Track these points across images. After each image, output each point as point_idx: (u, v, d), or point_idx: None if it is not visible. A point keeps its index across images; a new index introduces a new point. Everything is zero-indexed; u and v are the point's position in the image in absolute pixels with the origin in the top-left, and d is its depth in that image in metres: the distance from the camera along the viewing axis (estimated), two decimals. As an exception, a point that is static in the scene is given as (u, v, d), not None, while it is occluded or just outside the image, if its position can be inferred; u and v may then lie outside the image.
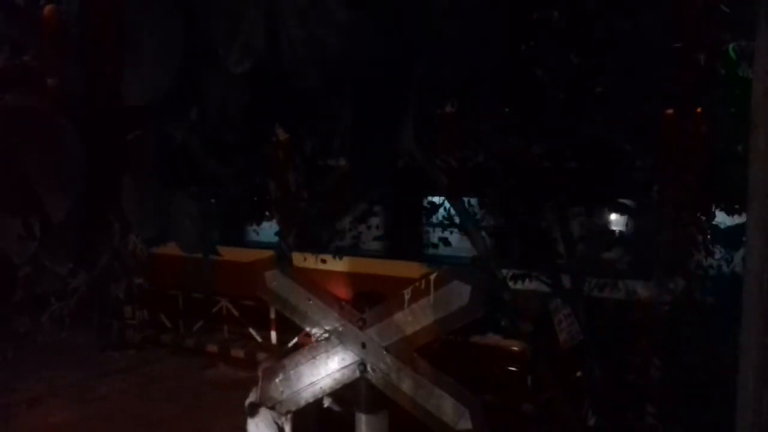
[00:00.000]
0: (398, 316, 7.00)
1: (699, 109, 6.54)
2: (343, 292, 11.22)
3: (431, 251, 11.98)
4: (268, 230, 11.67)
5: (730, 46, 5.80)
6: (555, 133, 6.78)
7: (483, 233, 7.76)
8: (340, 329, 7.27)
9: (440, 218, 10.09)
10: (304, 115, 3.53)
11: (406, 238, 12.44)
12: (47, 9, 2.82)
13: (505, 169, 7.63)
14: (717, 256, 7.96)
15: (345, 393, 7.32)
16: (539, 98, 6.30)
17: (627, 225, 9.67)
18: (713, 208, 7.78)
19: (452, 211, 8.95)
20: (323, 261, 10.92)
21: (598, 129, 6.62)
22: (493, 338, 10.42)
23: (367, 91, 3.00)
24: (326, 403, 7.47)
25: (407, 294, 6.92)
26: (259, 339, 13.49)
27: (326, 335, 7.36)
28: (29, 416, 10.25)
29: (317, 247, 10.55)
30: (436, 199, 10.44)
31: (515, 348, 10.10)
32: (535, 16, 5.70)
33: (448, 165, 7.59)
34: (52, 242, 2.87)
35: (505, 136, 7.02)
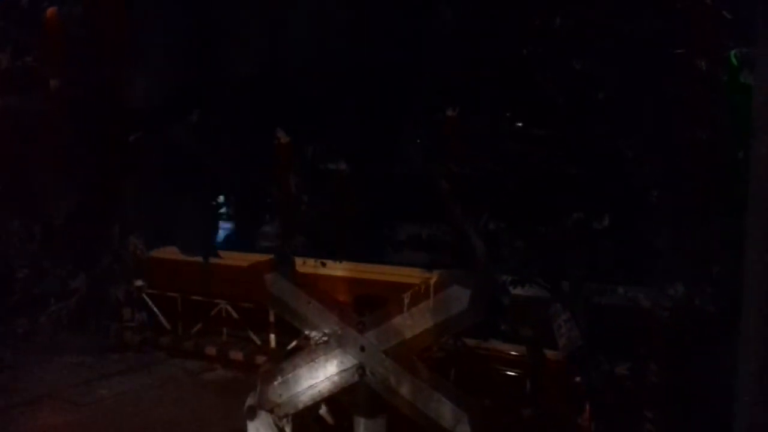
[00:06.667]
0: (397, 320, 7.01)
1: (700, 115, 6.55)
2: (342, 295, 11.18)
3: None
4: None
5: (732, 52, 5.81)
6: (557, 139, 6.80)
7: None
8: (340, 333, 7.27)
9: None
10: (306, 119, 3.54)
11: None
12: (50, 11, 2.82)
13: (506, 174, 7.63)
14: (717, 262, 7.94)
15: (343, 397, 7.31)
16: (541, 103, 6.32)
17: (627, 230, 9.64)
18: (713, 214, 7.76)
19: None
20: (323, 264, 10.90)
21: (600, 134, 6.63)
22: (492, 343, 10.41)
23: (369, 96, 3.01)
24: (322, 411, 7.47)
25: (407, 298, 6.93)
26: (258, 342, 13.44)
27: (325, 338, 7.35)
28: (28, 419, 10.22)
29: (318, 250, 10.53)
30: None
31: (514, 353, 10.07)
32: (537, 22, 5.72)
33: (449, 169, 7.59)
34: (52, 244, 2.88)
35: (506, 140, 7.03)
